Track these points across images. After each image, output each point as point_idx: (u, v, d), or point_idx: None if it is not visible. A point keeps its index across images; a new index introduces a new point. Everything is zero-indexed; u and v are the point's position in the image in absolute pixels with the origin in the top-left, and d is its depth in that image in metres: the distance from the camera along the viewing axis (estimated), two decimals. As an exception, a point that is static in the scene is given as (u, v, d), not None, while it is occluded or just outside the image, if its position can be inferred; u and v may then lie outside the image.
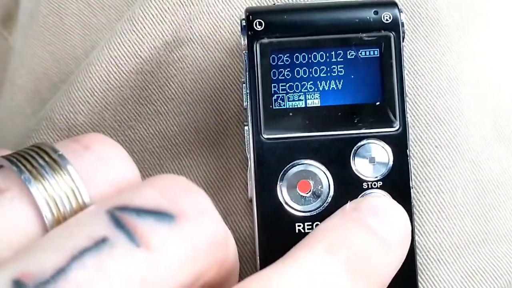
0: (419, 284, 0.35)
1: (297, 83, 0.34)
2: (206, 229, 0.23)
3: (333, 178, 0.33)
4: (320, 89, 0.34)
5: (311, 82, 0.34)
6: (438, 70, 0.36)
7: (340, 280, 0.25)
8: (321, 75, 0.34)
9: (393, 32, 0.34)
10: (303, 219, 0.33)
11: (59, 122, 0.38)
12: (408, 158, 0.33)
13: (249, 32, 0.33)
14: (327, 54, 0.34)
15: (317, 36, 0.33)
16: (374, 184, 0.33)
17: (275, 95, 0.33)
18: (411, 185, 0.34)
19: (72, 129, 0.38)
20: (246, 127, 0.34)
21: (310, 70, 0.34)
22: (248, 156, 0.34)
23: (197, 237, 0.23)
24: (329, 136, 0.33)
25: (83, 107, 0.38)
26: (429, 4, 0.37)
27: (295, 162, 0.33)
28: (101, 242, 0.21)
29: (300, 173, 0.33)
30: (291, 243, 0.33)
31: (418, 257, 0.35)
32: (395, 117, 0.34)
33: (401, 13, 0.34)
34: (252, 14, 0.33)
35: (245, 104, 0.34)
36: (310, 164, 0.33)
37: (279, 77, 0.34)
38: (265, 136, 0.33)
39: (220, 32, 0.37)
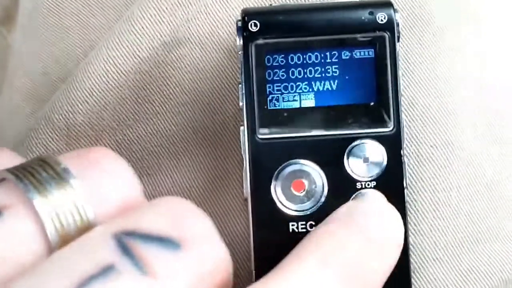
0: (415, 282, 0.36)
1: (292, 83, 0.34)
2: (210, 256, 0.23)
3: (327, 178, 0.34)
4: (315, 89, 0.34)
5: (306, 82, 0.34)
6: (433, 71, 0.37)
7: None
8: (316, 75, 0.34)
9: (388, 33, 0.34)
10: (297, 219, 0.34)
11: (58, 121, 0.39)
12: (402, 158, 0.34)
13: (244, 33, 0.34)
14: (322, 55, 0.34)
15: (312, 37, 0.34)
16: (368, 184, 0.34)
17: (270, 96, 0.34)
18: (405, 185, 0.34)
19: (71, 128, 0.39)
20: (241, 127, 0.34)
21: (305, 70, 0.34)
22: (243, 156, 0.34)
23: (201, 264, 0.23)
24: (323, 136, 0.34)
25: (82, 106, 0.39)
26: (424, 5, 0.38)
27: (289, 161, 0.34)
28: (108, 269, 0.21)
29: (294, 172, 0.34)
30: (285, 242, 0.34)
31: (413, 256, 0.36)
32: (389, 117, 0.34)
33: (396, 13, 0.34)
34: (247, 15, 0.34)
35: (240, 104, 0.34)
36: (304, 164, 0.34)
37: (274, 78, 0.34)
38: (260, 136, 0.34)
39: (218, 32, 0.38)
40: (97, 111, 0.39)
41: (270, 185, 0.34)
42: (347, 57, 0.34)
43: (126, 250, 0.22)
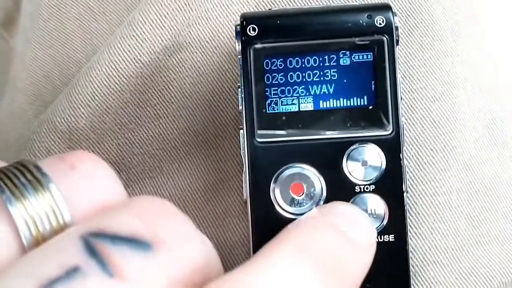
0: (415, 285, 0.36)
1: (291, 87, 0.35)
2: (185, 257, 0.23)
3: (325, 181, 0.35)
4: (313, 93, 0.35)
5: (305, 86, 0.35)
6: (432, 74, 0.38)
7: (312, 280, 0.25)
8: (314, 79, 0.35)
9: (386, 36, 0.35)
10: None
11: (60, 125, 0.40)
12: (402, 162, 0.35)
13: (243, 37, 0.35)
14: (320, 59, 0.35)
15: (310, 40, 0.35)
16: (367, 188, 0.35)
17: (269, 99, 0.35)
18: (404, 189, 0.35)
19: (73, 132, 0.40)
20: (241, 131, 0.35)
21: (303, 74, 0.35)
22: (243, 159, 0.35)
23: (174, 265, 0.22)
24: (322, 140, 0.35)
25: (84, 110, 0.39)
26: (423, 8, 0.39)
27: (288, 165, 0.35)
28: (72, 271, 0.21)
29: (293, 176, 0.35)
30: None
31: (413, 259, 0.36)
32: (388, 120, 0.35)
33: (395, 17, 0.35)
34: (246, 20, 0.35)
35: (240, 108, 0.35)
36: (303, 167, 0.35)
37: (273, 82, 0.35)
38: (259, 140, 0.35)
39: (219, 36, 0.39)
40: (99, 115, 0.39)
41: (269, 188, 0.35)
42: (346, 61, 0.35)
43: (92, 252, 0.22)
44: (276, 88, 0.35)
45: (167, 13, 0.39)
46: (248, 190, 0.35)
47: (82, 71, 0.40)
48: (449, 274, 0.37)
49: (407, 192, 0.35)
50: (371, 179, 0.35)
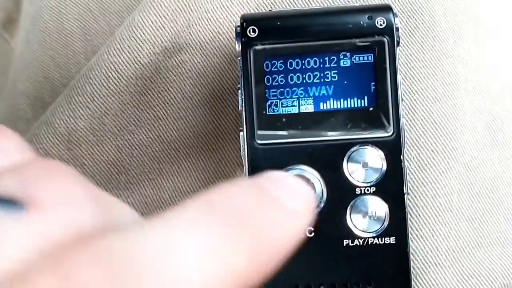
0: (416, 287, 0.37)
1: (291, 89, 0.35)
2: (64, 220, 0.21)
3: (326, 183, 0.35)
4: (314, 94, 0.35)
5: (305, 88, 0.35)
6: (433, 76, 0.38)
7: (216, 238, 0.21)
8: (315, 81, 0.35)
9: (387, 37, 0.35)
10: None
11: (60, 126, 0.40)
12: (402, 163, 0.35)
13: (243, 39, 0.35)
14: (321, 60, 0.35)
15: (311, 42, 0.35)
16: (367, 190, 0.35)
17: (269, 101, 0.35)
18: (405, 191, 0.35)
19: (72, 133, 0.40)
20: (241, 133, 0.35)
21: (304, 76, 0.35)
22: (243, 161, 0.35)
23: (50, 229, 0.21)
24: (322, 142, 0.35)
25: (83, 112, 0.40)
26: (424, 9, 0.39)
27: (288, 167, 0.35)
28: None
29: None
30: None
31: (414, 261, 0.36)
32: (388, 122, 0.35)
33: (395, 18, 0.35)
34: (246, 21, 0.35)
35: (240, 109, 0.35)
36: (303, 169, 0.35)
37: (273, 83, 0.35)
38: (259, 142, 0.35)
39: (219, 38, 0.39)
40: (98, 116, 0.40)
41: None
42: (346, 62, 0.35)
43: None
44: (276, 90, 0.35)
45: (167, 15, 0.39)
46: None
47: (82, 72, 0.40)
48: (451, 276, 0.37)
49: (408, 194, 0.35)
50: (371, 181, 0.35)
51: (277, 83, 0.35)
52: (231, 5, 0.39)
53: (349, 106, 0.35)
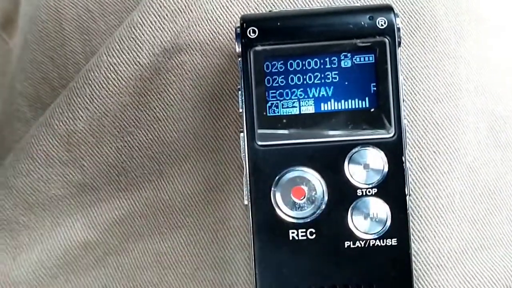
0: None
1: (291, 90, 0.35)
2: None
3: (327, 185, 0.35)
4: (314, 95, 0.35)
5: (305, 89, 0.35)
6: (435, 76, 0.38)
7: None
8: (315, 81, 0.35)
9: (388, 38, 0.35)
10: (297, 226, 0.35)
11: (59, 128, 0.40)
12: (404, 164, 0.35)
13: (243, 40, 0.35)
14: (321, 61, 0.35)
15: (311, 42, 0.35)
16: (369, 191, 0.35)
17: (269, 102, 0.35)
18: (407, 192, 0.35)
19: (72, 135, 0.40)
20: (241, 134, 0.35)
21: (304, 76, 0.35)
22: (243, 162, 0.35)
23: None
24: (323, 143, 0.35)
25: (82, 113, 0.40)
26: (426, 9, 0.39)
27: (289, 168, 0.35)
28: None
29: (294, 179, 0.35)
30: (285, 249, 0.35)
31: (416, 263, 0.36)
32: (390, 123, 0.35)
33: (397, 18, 0.35)
34: (246, 22, 0.35)
35: (240, 110, 0.35)
36: (304, 171, 0.35)
37: (273, 84, 0.35)
38: (259, 143, 0.35)
39: (219, 38, 0.39)
40: (98, 117, 0.39)
41: (270, 192, 0.35)
42: (347, 63, 0.35)
43: None
44: (276, 91, 0.35)
45: (167, 15, 0.39)
46: (248, 194, 0.35)
47: (81, 73, 0.40)
48: (453, 278, 0.37)
49: (409, 195, 0.35)
50: (373, 183, 0.35)
51: (277, 84, 0.35)
52: (231, 6, 0.39)
53: (350, 107, 0.35)
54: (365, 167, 0.35)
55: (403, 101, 0.35)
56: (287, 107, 0.35)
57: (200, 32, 0.39)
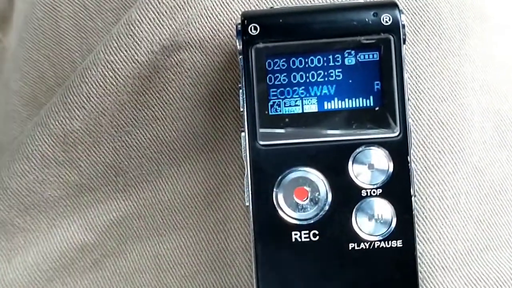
0: None
1: (294, 88, 0.35)
2: None
3: (330, 185, 0.34)
4: (317, 94, 0.35)
5: (308, 87, 0.35)
6: (440, 74, 0.38)
7: None
8: (318, 80, 0.35)
9: (393, 35, 0.34)
10: (299, 227, 0.34)
11: (55, 127, 0.40)
12: (409, 164, 0.34)
13: (244, 37, 0.35)
14: (324, 58, 0.35)
15: (314, 40, 0.34)
16: (373, 192, 0.34)
17: (271, 101, 0.35)
18: (412, 193, 0.34)
19: (68, 135, 0.39)
20: (242, 133, 0.35)
21: (307, 75, 0.35)
22: (245, 163, 0.35)
23: None
24: (326, 142, 0.34)
25: (79, 112, 0.39)
26: (430, 6, 0.38)
27: (292, 168, 0.34)
28: None
29: (296, 180, 0.34)
30: (287, 252, 0.34)
31: (422, 265, 0.36)
32: (395, 122, 0.34)
33: (401, 15, 0.34)
34: (247, 19, 0.35)
35: (241, 109, 0.35)
36: (307, 171, 0.34)
37: (275, 82, 0.35)
38: (261, 142, 0.35)
39: (219, 35, 0.39)
40: (95, 117, 0.39)
41: (272, 192, 0.34)
42: (351, 61, 0.35)
43: None
44: (278, 89, 0.35)
45: (166, 11, 0.38)
46: (250, 195, 0.35)
47: (77, 72, 0.40)
48: (458, 279, 0.36)
49: (415, 196, 0.35)
50: (377, 183, 0.35)
51: (279, 82, 0.35)
52: (231, 2, 0.39)
53: (354, 105, 0.35)
54: (370, 167, 0.35)
55: (408, 99, 0.35)
56: (290, 105, 0.35)
57: (199, 29, 0.39)
